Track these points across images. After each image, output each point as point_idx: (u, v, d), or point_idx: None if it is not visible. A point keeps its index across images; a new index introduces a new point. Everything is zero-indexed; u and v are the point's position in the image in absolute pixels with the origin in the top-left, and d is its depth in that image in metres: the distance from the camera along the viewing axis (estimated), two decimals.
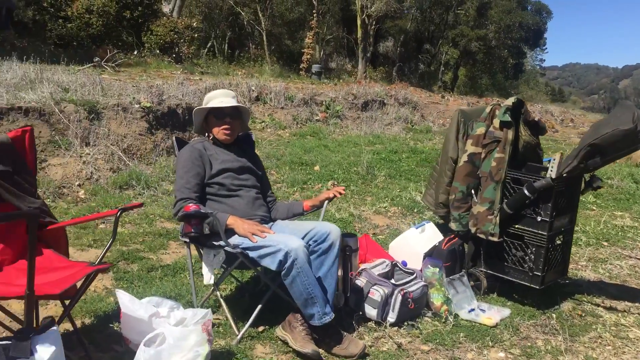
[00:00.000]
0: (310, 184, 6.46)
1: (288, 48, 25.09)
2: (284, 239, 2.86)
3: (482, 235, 3.67)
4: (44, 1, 15.42)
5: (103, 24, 15.12)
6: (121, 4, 15.38)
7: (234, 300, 3.48)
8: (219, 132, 3.25)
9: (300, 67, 19.28)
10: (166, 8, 18.52)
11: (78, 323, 2.96)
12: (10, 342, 1.83)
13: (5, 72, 7.35)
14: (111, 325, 3.06)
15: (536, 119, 3.89)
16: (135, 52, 14.39)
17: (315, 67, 18.69)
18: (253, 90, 10.26)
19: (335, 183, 6.53)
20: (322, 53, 24.69)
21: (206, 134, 3.37)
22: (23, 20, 16.42)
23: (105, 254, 2.71)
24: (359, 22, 22.29)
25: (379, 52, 28.68)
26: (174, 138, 3.42)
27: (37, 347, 1.88)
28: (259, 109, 9.87)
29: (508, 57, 31.66)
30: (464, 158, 3.79)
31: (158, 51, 14.98)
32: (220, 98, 3.26)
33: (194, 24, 17.32)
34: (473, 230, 3.71)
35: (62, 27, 14.87)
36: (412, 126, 11.89)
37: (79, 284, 2.49)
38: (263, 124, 9.47)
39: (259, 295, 3.39)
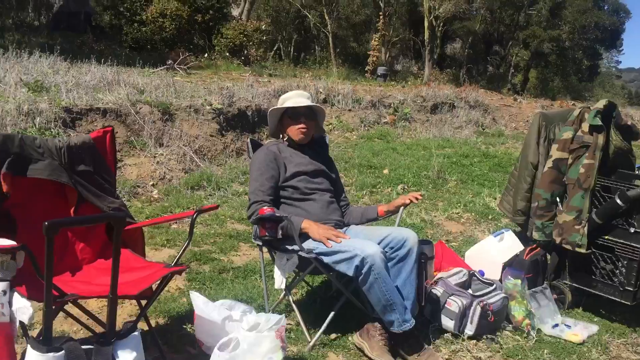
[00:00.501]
0: (379, 188, 6.34)
1: (353, 50, 25.03)
2: (359, 244, 2.76)
3: (568, 247, 3.45)
4: (120, 6, 16.02)
5: (176, 27, 15.56)
6: (193, 8, 15.77)
7: (305, 306, 3.41)
8: (295, 131, 3.18)
9: (366, 69, 19.16)
10: (235, 11, 18.85)
11: (152, 323, 2.96)
12: (92, 346, 1.82)
13: (85, 74, 7.64)
14: (184, 326, 3.05)
15: (629, 122, 3.62)
16: (206, 55, 14.70)
17: (380, 70, 18.51)
18: (321, 92, 10.23)
19: (406, 187, 6.38)
20: (387, 55, 24.46)
21: (281, 136, 3.32)
22: (100, 24, 17.18)
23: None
24: (426, 23, 21.88)
25: (446, 54, 28.16)
26: (248, 140, 3.38)
27: (119, 352, 1.87)
28: (326, 111, 9.78)
29: (582, 59, 30.34)
30: (549, 164, 3.57)
31: (227, 54, 15.25)
32: (295, 99, 3.20)
33: (263, 27, 17.53)
34: (558, 240, 3.49)
35: (137, 31, 15.42)
36: (484, 129, 11.54)
37: (155, 285, 2.48)
38: (330, 126, 9.42)
39: (330, 301, 3.31)
